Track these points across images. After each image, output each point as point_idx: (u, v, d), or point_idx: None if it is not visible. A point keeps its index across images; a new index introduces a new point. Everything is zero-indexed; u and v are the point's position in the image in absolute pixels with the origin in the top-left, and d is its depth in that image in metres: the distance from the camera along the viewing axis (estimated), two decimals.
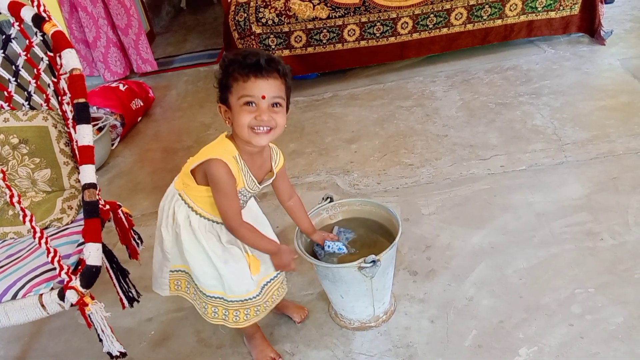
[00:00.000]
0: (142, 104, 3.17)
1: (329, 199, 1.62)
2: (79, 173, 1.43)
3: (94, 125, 2.74)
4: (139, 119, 3.19)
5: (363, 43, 3.06)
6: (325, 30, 2.99)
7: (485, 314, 1.55)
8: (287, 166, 2.44)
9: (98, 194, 1.27)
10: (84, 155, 1.25)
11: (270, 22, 2.96)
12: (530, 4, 3.00)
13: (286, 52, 3.03)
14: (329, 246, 1.51)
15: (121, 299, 1.44)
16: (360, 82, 3.14)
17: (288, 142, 2.63)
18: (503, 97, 2.70)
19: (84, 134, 1.24)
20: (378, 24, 3.00)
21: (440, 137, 2.47)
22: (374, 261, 1.37)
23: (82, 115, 1.25)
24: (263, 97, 1.16)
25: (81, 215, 1.47)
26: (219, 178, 1.22)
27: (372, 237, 1.60)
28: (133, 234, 1.52)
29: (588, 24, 3.08)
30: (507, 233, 1.84)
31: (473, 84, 2.89)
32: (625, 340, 1.41)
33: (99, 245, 1.22)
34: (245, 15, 2.94)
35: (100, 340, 1.31)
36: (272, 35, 2.99)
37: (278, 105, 1.20)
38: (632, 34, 3.13)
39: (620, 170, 2.04)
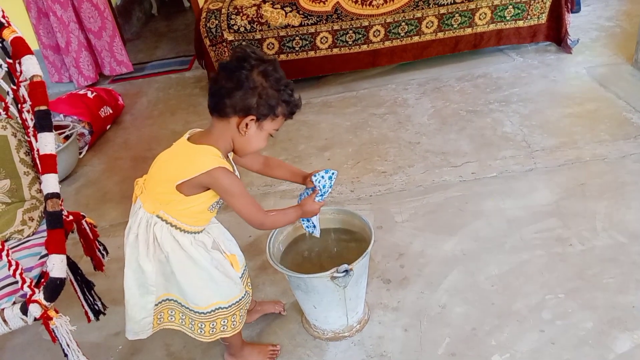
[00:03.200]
0: (111, 111, 3.10)
1: None
2: (40, 183, 1.38)
3: (60, 134, 2.66)
4: (108, 127, 3.11)
5: (336, 50, 3.06)
6: (297, 38, 2.99)
7: (458, 322, 1.55)
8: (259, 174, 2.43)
9: (61, 204, 1.22)
10: (46, 164, 1.20)
11: (242, 29, 2.93)
12: (499, 13, 3.05)
13: None
14: (318, 180, 1.39)
15: (86, 312, 1.39)
16: (334, 90, 3.15)
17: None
18: (474, 105, 2.74)
19: (46, 142, 1.20)
20: (350, 31, 3.01)
21: (412, 144, 2.48)
22: (346, 270, 1.36)
23: (43, 122, 1.20)
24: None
25: (43, 227, 1.42)
26: (229, 184, 1.22)
27: (345, 245, 1.59)
28: (98, 245, 1.47)
29: (555, 33, 3.15)
30: (478, 240, 1.85)
31: (444, 92, 2.92)
32: (595, 345, 1.42)
33: (63, 257, 1.18)
34: (217, 22, 2.91)
35: (66, 355, 1.27)
36: (244, 42, 2.97)
37: None
38: (598, 43, 3.21)
39: (587, 177, 2.08)
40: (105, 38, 3.70)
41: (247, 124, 1.21)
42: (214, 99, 1.21)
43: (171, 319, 1.39)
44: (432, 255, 1.81)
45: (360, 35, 3.03)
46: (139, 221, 1.26)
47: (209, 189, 1.24)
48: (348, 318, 1.53)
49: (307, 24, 2.95)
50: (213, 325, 1.36)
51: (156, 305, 1.35)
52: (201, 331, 1.38)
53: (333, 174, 1.40)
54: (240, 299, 1.38)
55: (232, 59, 1.20)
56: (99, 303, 1.45)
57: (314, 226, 1.47)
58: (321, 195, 1.40)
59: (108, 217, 2.31)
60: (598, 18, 3.56)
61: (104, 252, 1.51)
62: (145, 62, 4.13)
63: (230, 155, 1.34)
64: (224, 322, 1.37)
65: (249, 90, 1.17)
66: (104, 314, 1.50)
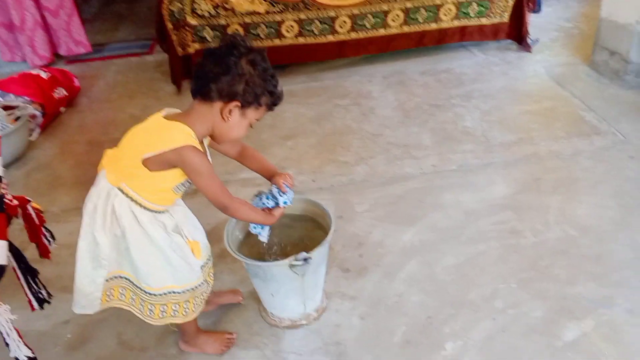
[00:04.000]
0: (66, 93, 2.97)
1: None
2: None
3: (9, 115, 2.54)
4: (62, 109, 2.99)
5: (301, 40, 3.03)
6: (263, 25, 2.94)
7: (414, 310, 1.57)
8: (221, 162, 2.38)
9: (5, 188, 1.16)
10: None
11: (206, 14, 2.87)
12: (463, 10, 3.09)
13: None
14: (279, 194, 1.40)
15: (30, 301, 1.32)
16: (299, 79, 3.12)
17: None
18: (436, 99, 2.77)
19: None
20: (317, 21, 2.98)
21: (375, 136, 2.49)
22: (305, 259, 1.35)
23: None
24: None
25: None
26: (198, 164, 1.20)
27: (305, 234, 1.58)
28: (44, 231, 1.40)
29: (516, 32, 3.22)
30: (437, 231, 1.87)
31: (408, 85, 2.94)
32: (544, 333, 1.47)
33: (4, 243, 1.12)
34: (180, 5, 2.83)
35: (7, 344, 1.20)
36: (208, 27, 2.91)
37: None
38: (557, 43, 3.30)
39: (542, 172, 2.13)
40: (63, 17, 3.55)
41: (230, 110, 1.21)
42: (199, 81, 1.21)
43: (121, 297, 1.36)
44: (391, 245, 1.82)
45: (327, 26, 3.01)
46: (100, 191, 1.24)
47: (175, 167, 1.21)
48: (306, 306, 1.53)
49: (273, 12, 2.90)
50: (163, 309, 1.34)
51: (107, 281, 1.31)
52: (150, 313, 1.34)
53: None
54: (195, 287, 1.35)
55: (221, 45, 1.22)
56: (43, 291, 1.38)
57: (262, 227, 1.43)
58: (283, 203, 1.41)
59: (59, 203, 2.22)
60: (558, 19, 3.66)
61: (50, 239, 1.44)
62: (104, 43, 3.99)
63: (206, 141, 1.32)
64: (175, 307, 1.34)
65: (236, 76, 1.19)
66: (49, 302, 1.43)
